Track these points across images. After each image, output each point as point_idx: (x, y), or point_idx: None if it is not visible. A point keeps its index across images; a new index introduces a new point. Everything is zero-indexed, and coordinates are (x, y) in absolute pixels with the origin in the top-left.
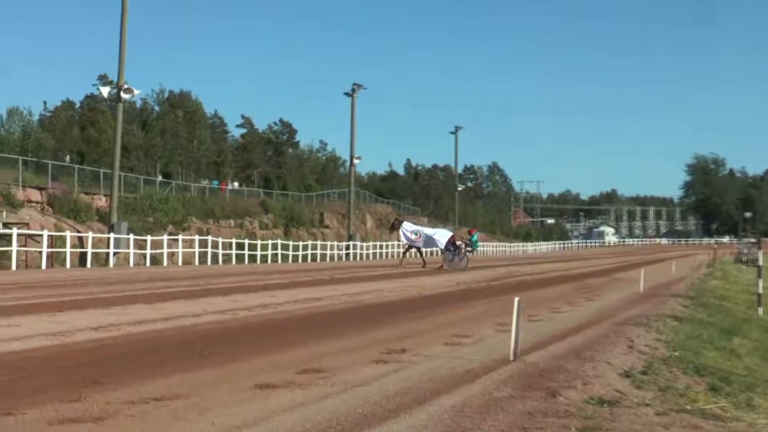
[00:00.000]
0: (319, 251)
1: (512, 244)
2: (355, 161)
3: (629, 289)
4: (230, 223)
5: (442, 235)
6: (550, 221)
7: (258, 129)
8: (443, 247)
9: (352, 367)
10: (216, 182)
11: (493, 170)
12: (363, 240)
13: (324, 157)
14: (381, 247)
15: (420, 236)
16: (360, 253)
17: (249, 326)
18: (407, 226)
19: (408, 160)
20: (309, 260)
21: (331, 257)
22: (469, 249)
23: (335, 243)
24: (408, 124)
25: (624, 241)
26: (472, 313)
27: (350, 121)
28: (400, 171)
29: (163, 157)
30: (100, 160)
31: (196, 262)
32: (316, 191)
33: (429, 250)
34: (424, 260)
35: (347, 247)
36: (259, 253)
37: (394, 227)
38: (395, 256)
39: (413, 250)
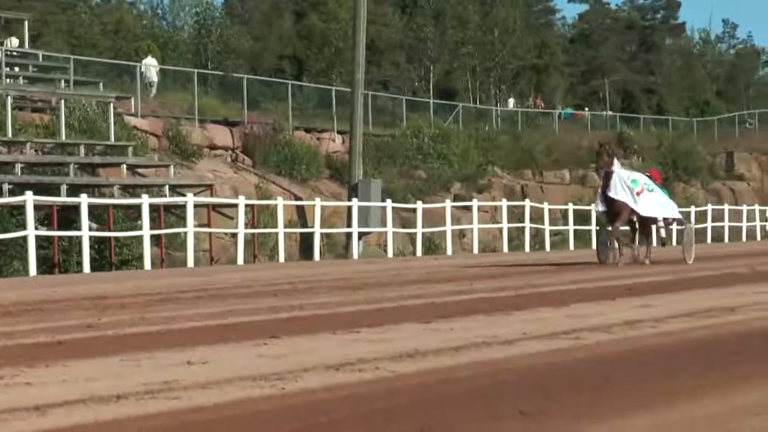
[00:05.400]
0: (726, 222)
1: None
2: None
3: None
4: (563, 175)
5: (660, 194)
6: None
7: (609, 4)
8: (678, 216)
9: None
10: (569, 109)
11: None
12: None
13: (731, 51)
14: None
15: (642, 189)
16: None
17: (605, 360)
18: (621, 171)
19: None
20: (708, 239)
21: (749, 234)
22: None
23: (756, 208)
24: None
25: None
26: None
27: None
28: None
29: (441, 61)
30: (330, 71)
31: (504, 247)
32: (717, 113)
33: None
34: (650, 244)
35: None
36: None
37: (603, 158)
38: None
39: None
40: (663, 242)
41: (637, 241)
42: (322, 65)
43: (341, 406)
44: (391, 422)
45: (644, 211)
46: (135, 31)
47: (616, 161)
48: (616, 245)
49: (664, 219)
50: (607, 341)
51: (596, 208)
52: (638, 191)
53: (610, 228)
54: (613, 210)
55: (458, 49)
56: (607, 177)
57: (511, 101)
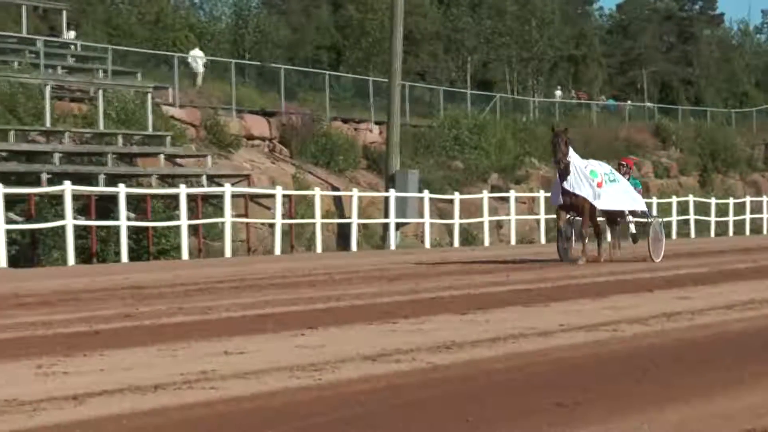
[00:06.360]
0: (765, 215)
1: None
2: None
3: None
4: None
5: (625, 185)
6: None
7: None
8: (643, 208)
9: None
10: (613, 101)
11: None
12: None
13: None
14: None
15: (603, 182)
16: None
17: (643, 352)
18: (578, 159)
19: None
20: (747, 231)
21: None
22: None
23: None
24: None
25: None
26: None
27: None
28: None
29: (478, 52)
30: (367, 61)
31: (542, 238)
32: (755, 105)
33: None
34: (601, 244)
35: None
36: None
37: (561, 148)
38: None
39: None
40: (634, 238)
41: (608, 237)
42: (360, 55)
43: (378, 397)
44: (427, 414)
45: (605, 205)
46: (173, 22)
47: (571, 150)
48: (574, 242)
49: (632, 212)
50: (644, 333)
51: (553, 201)
52: (597, 183)
53: (565, 225)
54: (574, 205)
55: (495, 40)
56: (566, 169)
57: (558, 93)
